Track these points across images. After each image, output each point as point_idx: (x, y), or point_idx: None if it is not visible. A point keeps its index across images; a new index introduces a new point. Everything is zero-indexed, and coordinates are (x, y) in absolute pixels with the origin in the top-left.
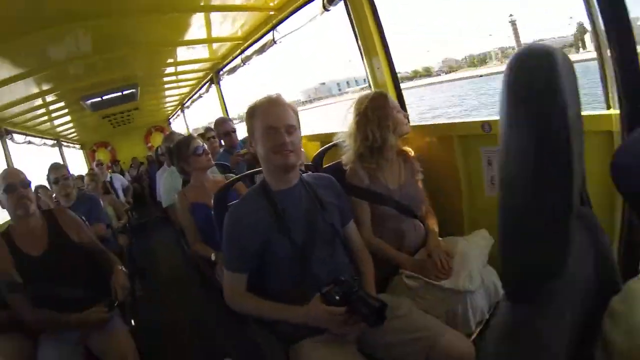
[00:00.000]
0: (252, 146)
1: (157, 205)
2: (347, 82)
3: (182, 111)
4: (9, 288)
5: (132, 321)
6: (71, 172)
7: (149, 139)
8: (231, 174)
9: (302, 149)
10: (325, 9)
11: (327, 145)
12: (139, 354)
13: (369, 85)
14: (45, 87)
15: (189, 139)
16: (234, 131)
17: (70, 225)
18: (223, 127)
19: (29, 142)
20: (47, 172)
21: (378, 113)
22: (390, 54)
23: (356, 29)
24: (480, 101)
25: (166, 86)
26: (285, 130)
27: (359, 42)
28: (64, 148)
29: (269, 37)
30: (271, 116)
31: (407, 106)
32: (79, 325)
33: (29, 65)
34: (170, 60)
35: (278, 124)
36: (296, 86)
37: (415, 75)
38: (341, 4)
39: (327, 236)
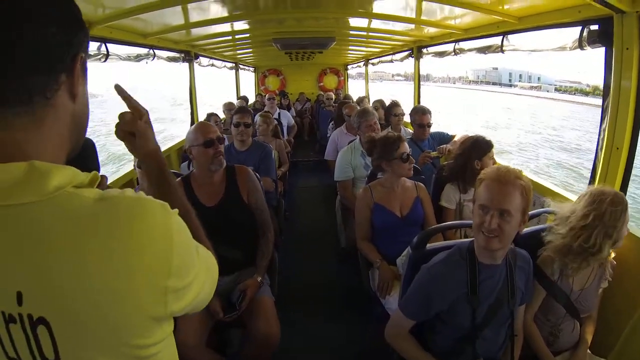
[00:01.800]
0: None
1: (314, 146)
2: (520, 75)
3: (366, 65)
4: None
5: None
6: (242, 92)
7: (322, 79)
8: (420, 180)
9: (513, 235)
10: (580, 47)
11: (535, 229)
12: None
13: (602, 138)
14: (237, 23)
15: (399, 140)
16: (429, 126)
17: (246, 185)
18: (422, 118)
19: (212, 65)
20: (224, 105)
21: (613, 222)
22: None
23: (611, 77)
24: None
25: (359, 39)
26: (498, 214)
27: (610, 87)
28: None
29: (495, 41)
30: (489, 193)
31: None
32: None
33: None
34: (374, 23)
35: (491, 205)
36: (470, 63)
37: None
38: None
39: (502, 320)
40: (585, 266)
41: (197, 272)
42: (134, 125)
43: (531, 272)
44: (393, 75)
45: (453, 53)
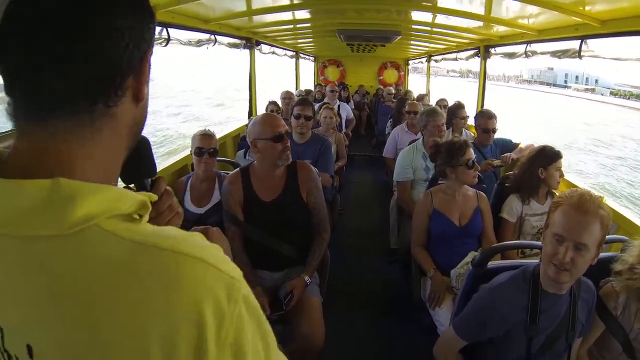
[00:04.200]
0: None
1: (370, 141)
2: (577, 77)
3: (428, 61)
4: (231, 220)
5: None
6: (302, 85)
7: (382, 73)
8: (482, 189)
9: (585, 269)
10: None
11: (602, 256)
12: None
13: None
14: (298, 12)
15: (464, 146)
16: (494, 131)
17: (307, 183)
18: (488, 123)
19: (273, 53)
20: (281, 94)
21: None
22: None
23: None
24: None
25: (423, 34)
26: (574, 246)
27: None
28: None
29: (572, 45)
30: (567, 222)
31: None
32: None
33: None
34: (439, 18)
35: (567, 236)
36: (524, 63)
37: None
38: None
39: (558, 352)
40: None
41: None
42: None
43: (594, 304)
44: (448, 71)
45: (524, 55)
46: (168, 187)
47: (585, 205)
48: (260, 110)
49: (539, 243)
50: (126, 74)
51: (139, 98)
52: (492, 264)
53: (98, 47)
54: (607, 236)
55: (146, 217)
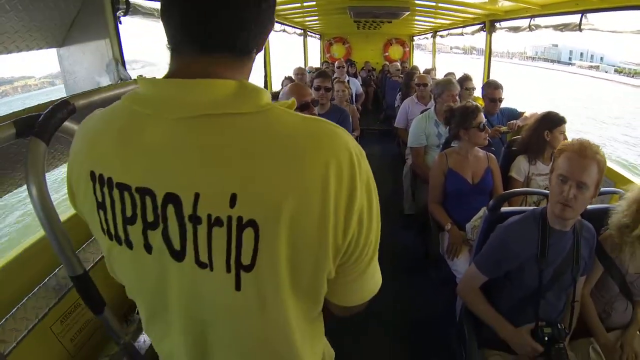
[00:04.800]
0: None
1: (378, 115)
2: (581, 54)
3: (434, 37)
4: None
5: None
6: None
7: (388, 49)
8: (491, 152)
9: (586, 206)
10: None
11: (601, 206)
12: None
13: None
14: None
15: (476, 110)
16: (501, 100)
17: None
18: (494, 92)
19: (284, 31)
20: (294, 71)
21: None
22: None
23: None
24: None
25: (429, 9)
26: (576, 185)
27: None
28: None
29: (573, 19)
30: (569, 165)
31: None
32: None
33: None
34: None
35: (570, 176)
36: (529, 39)
37: None
38: None
39: (564, 285)
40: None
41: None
42: None
43: (594, 245)
44: (451, 48)
45: (528, 29)
46: None
47: (585, 151)
48: (275, 85)
49: (544, 190)
50: (265, 33)
51: (259, 50)
52: (504, 209)
53: (258, 12)
54: (607, 188)
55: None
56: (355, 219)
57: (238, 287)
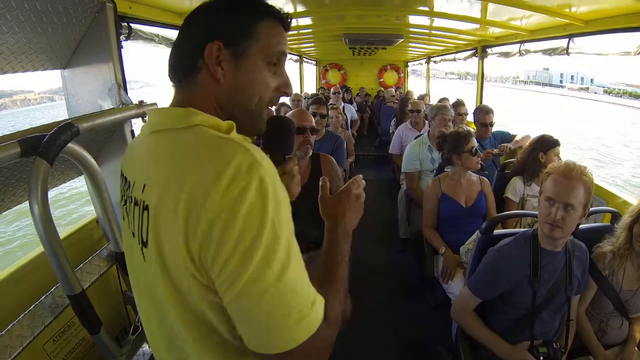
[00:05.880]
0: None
1: (374, 141)
2: (572, 77)
3: (427, 63)
4: None
5: None
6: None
7: (382, 75)
8: (484, 175)
9: (575, 226)
10: None
11: (593, 225)
12: None
13: None
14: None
15: (468, 135)
16: (492, 125)
17: (329, 173)
18: (485, 117)
19: None
20: (290, 98)
21: None
22: None
23: None
24: None
25: (422, 36)
26: (563, 207)
27: None
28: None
29: (561, 43)
30: (556, 187)
31: None
32: None
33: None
34: (437, 21)
35: (557, 198)
36: (522, 64)
37: None
38: None
39: (559, 304)
40: (635, 260)
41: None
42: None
43: (587, 263)
44: (446, 74)
45: (518, 54)
46: (294, 158)
47: (570, 173)
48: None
49: (535, 212)
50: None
51: (215, 77)
52: (497, 231)
53: (189, 43)
54: (598, 207)
55: (233, 132)
56: (204, 226)
57: (144, 259)
